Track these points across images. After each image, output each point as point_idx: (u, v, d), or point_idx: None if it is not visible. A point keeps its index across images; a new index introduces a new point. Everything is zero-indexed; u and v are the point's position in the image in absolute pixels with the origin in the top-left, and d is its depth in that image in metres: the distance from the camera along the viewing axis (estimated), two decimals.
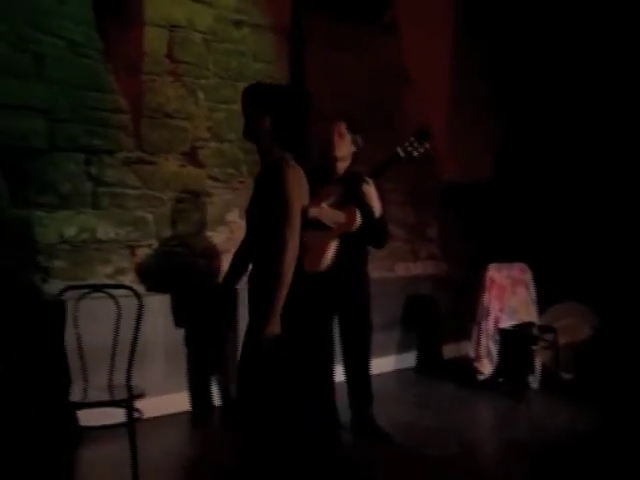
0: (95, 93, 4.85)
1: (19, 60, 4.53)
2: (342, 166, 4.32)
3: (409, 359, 6.79)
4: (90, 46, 4.85)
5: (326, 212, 4.06)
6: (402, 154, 4.03)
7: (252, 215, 3.33)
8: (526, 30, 7.35)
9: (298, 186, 3.13)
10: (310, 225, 3.48)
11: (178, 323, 5.08)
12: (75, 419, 3.95)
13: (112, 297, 3.92)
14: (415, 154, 4.02)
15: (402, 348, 6.73)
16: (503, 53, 7.43)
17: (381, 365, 6.23)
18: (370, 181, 4.04)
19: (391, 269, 6.81)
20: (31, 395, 4.01)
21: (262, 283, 3.12)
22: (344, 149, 4.26)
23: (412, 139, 4.05)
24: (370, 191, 4.04)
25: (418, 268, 7.13)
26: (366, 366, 4.53)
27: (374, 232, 4.18)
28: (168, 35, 5.15)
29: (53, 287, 4.52)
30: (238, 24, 5.54)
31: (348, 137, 4.24)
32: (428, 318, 6.97)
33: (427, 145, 4.02)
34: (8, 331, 4.12)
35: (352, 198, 4.10)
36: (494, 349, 6.10)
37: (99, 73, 4.89)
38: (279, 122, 3.17)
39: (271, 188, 3.12)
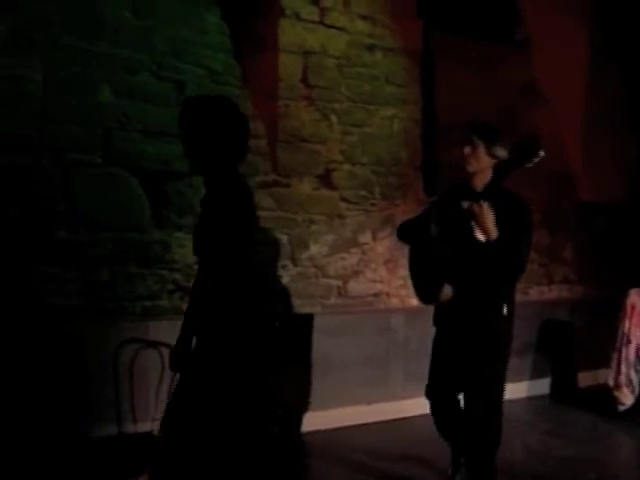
0: None
1: (161, 88, 4.75)
2: (480, 180, 3.77)
3: (543, 386, 6.55)
4: (228, 73, 5.03)
5: (486, 211, 3.54)
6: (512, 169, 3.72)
7: (198, 238, 2.96)
8: None
9: (246, 209, 2.84)
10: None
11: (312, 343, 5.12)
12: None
13: None
14: (529, 165, 3.68)
15: (536, 374, 6.49)
16: None
17: (514, 391, 6.00)
18: (482, 202, 3.56)
19: (525, 292, 6.60)
20: None
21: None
22: (475, 164, 3.72)
23: (524, 151, 3.72)
24: (479, 212, 3.56)
25: (553, 292, 6.88)
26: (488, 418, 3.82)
27: (491, 258, 3.62)
28: (302, 61, 5.25)
29: None
30: (371, 48, 5.58)
31: (481, 150, 3.69)
32: (563, 344, 6.70)
33: (541, 153, 3.65)
34: None
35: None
36: (635, 378, 5.78)
37: (237, 99, 5.01)
38: (223, 138, 2.82)
39: (220, 210, 2.79)
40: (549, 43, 6.57)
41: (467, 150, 3.66)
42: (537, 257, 6.71)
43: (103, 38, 4.51)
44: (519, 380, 6.25)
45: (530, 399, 6.34)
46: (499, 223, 3.58)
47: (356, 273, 5.51)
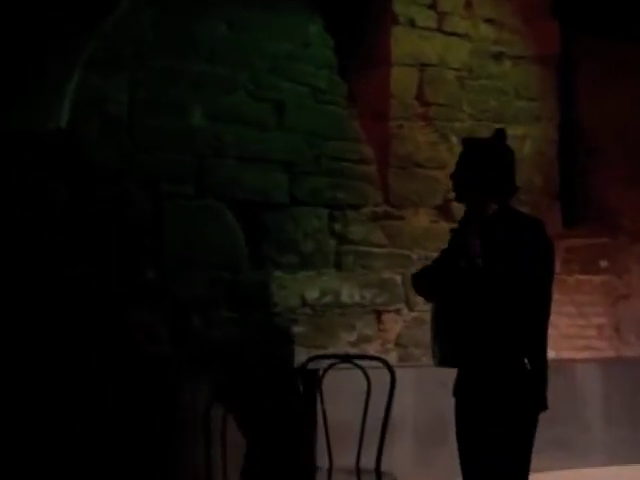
0: (338, 142, 5.07)
1: (259, 109, 4.87)
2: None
3: None
4: (333, 91, 5.11)
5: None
6: None
7: None
8: None
9: None
10: None
11: (430, 400, 5.08)
12: None
13: (361, 369, 4.00)
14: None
15: None
16: None
17: None
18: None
19: None
20: None
21: None
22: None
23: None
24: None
25: None
26: None
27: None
28: (418, 75, 5.28)
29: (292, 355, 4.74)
30: (497, 57, 5.57)
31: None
32: None
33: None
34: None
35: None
36: None
37: (343, 120, 5.12)
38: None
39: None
40: None
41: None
42: None
43: (195, 55, 4.67)
44: None
45: None
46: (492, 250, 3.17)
47: None
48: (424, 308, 5.24)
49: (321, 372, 4.13)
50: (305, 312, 4.89)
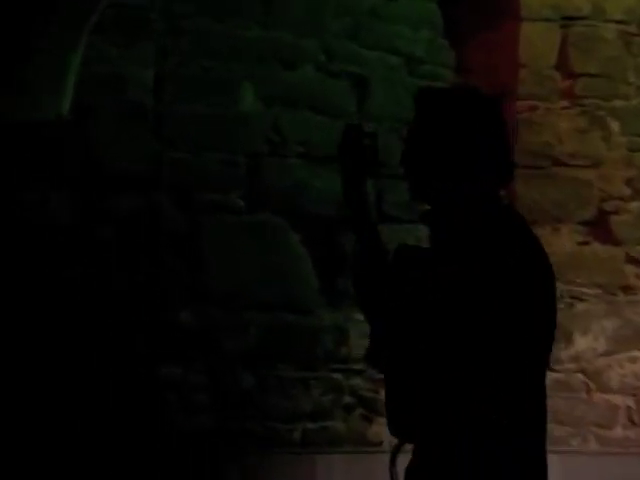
0: None
1: (333, 88, 4.94)
2: None
3: None
4: (435, 60, 5.14)
5: None
6: None
7: None
8: None
9: None
10: None
11: None
12: None
13: None
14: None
15: None
16: None
17: None
18: None
19: None
20: None
21: None
22: None
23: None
24: None
25: None
26: None
27: None
28: (559, 34, 5.24)
29: (380, 432, 4.76)
30: None
31: None
32: None
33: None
34: None
35: None
36: None
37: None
38: None
39: None
40: None
41: None
42: None
43: (244, 15, 4.74)
44: None
45: None
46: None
47: None
48: (569, 367, 5.21)
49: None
50: None
